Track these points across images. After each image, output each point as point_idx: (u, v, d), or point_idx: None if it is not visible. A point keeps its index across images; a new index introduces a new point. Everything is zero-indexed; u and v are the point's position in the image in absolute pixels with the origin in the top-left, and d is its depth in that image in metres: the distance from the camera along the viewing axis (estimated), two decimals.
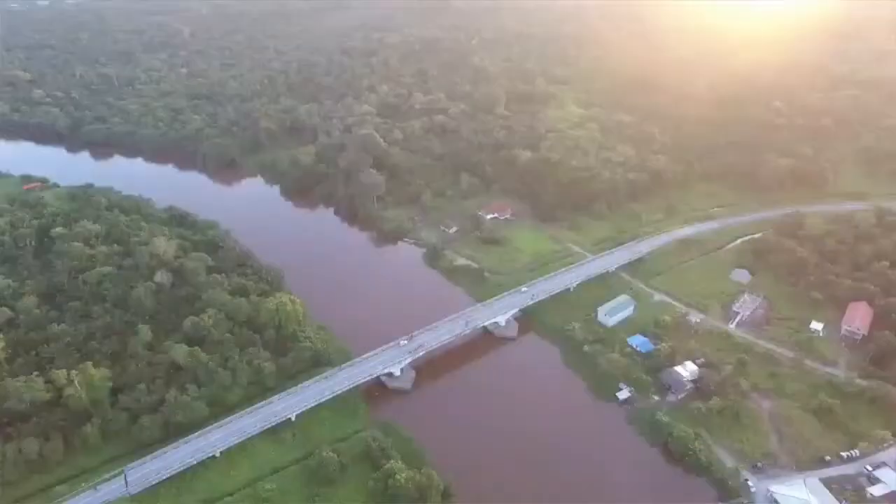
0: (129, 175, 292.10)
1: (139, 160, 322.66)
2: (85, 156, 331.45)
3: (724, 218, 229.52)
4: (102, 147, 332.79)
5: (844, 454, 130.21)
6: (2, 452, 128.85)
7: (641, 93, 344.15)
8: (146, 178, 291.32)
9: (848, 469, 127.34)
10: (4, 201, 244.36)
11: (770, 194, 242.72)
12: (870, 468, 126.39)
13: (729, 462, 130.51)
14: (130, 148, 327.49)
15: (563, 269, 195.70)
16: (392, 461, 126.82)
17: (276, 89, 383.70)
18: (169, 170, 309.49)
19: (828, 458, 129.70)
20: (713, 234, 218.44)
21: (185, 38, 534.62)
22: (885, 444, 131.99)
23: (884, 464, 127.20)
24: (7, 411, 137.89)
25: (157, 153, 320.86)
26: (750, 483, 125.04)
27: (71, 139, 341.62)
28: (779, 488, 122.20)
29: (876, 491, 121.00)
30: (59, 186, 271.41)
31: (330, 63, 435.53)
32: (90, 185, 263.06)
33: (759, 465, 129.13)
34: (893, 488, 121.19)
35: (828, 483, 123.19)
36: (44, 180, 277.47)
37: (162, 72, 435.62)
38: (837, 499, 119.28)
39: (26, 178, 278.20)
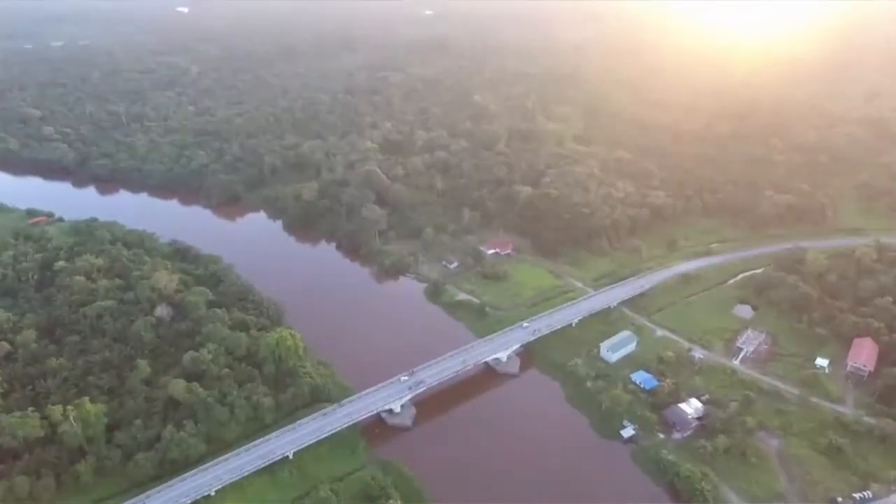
0: (133, 209, 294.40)
1: (144, 195, 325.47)
2: (91, 191, 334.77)
3: (724, 253, 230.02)
4: (108, 182, 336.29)
5: (857, 496, 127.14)
6: None
7: (640, 130, 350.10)
8: (151, 213, 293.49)
9: None
10: (9, 235, 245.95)
11: (769, 230, 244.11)
12: None
13: (737, 503, 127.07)
14: (136, 183, 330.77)
15: (565, 305, 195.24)
16: (392, 500, 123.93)
17: (281, 127, 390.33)
18: (173, 204, 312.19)
19: (840, 499, 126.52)
20: (714, 270, 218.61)
21: (194, 77, 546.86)
22: None
23: None
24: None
25: (162, 188, 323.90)
26: None
27: (78, 174, 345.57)
28: None
29: None
30: (63, 221, 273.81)
31: (334, 101, 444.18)
32: (94, 220, 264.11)
33: None
34: None
35: None
36: (49, 214, 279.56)
37: (170, 109, 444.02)
38: None
39: (32, 213, 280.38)
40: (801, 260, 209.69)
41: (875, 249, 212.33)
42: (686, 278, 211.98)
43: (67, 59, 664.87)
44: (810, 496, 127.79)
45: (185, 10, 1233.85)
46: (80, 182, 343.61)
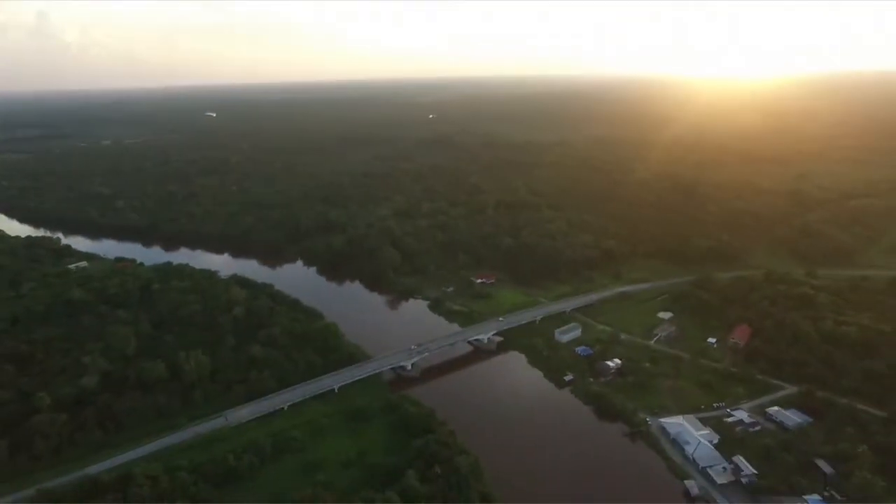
0: (194, 260, 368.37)
1: (199, 251, 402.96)
2: (157, 248, 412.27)
3: (657, 281, 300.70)
4: (171, 241, 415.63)
5: (715, 405, 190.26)
6: (142, 402, 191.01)
7: (604, 202, 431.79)
8: (208, 262, 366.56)
9: (715, 413, 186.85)
10: (108, 272, 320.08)
11: (693, 266, 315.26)
12: (729, 410, 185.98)
13: (636, 410, 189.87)
14: (194, 241, 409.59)
15: (531, 308, 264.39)
16: (407, 406, 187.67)
17: (311, 200, 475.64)
18: (225, 257, 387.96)
19: (703, 406, 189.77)
20: (647, 291, 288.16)
21: (233, 165, 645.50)
22: (742, 400, 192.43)
23: (739, 408, 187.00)
24: (142, 382, 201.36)
25: (215, 245, 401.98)
26: (648, 420, 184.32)
27: (146, 235, 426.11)
28: (665, 420, 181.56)
29: (729, 420, 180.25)
30: (143, 265, 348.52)
31: (354, 182, 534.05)
32: (169, 263, 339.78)
33: (655, 411, 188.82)
34: (741, 418, 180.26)
35: (699, 418, 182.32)
36: (132, 261, 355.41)
37: (216, 188, 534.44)
38: (704, 424, 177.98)
39: (119, 259, 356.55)
40: (709, 280, 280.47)
41: (764, 274, 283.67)
42: (625, 295, 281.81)
43: (121, 153, 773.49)
44: (684, 407, 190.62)
45: (213, 114, 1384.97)
46: (147, 242, 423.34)
